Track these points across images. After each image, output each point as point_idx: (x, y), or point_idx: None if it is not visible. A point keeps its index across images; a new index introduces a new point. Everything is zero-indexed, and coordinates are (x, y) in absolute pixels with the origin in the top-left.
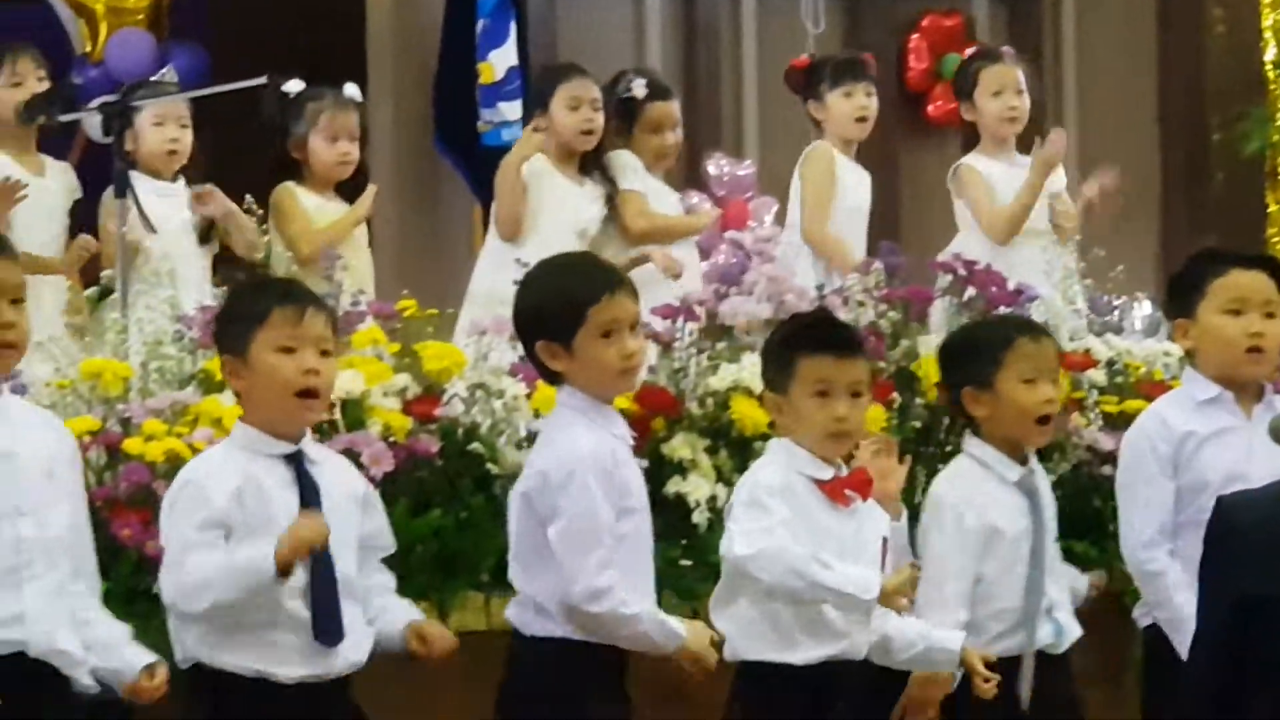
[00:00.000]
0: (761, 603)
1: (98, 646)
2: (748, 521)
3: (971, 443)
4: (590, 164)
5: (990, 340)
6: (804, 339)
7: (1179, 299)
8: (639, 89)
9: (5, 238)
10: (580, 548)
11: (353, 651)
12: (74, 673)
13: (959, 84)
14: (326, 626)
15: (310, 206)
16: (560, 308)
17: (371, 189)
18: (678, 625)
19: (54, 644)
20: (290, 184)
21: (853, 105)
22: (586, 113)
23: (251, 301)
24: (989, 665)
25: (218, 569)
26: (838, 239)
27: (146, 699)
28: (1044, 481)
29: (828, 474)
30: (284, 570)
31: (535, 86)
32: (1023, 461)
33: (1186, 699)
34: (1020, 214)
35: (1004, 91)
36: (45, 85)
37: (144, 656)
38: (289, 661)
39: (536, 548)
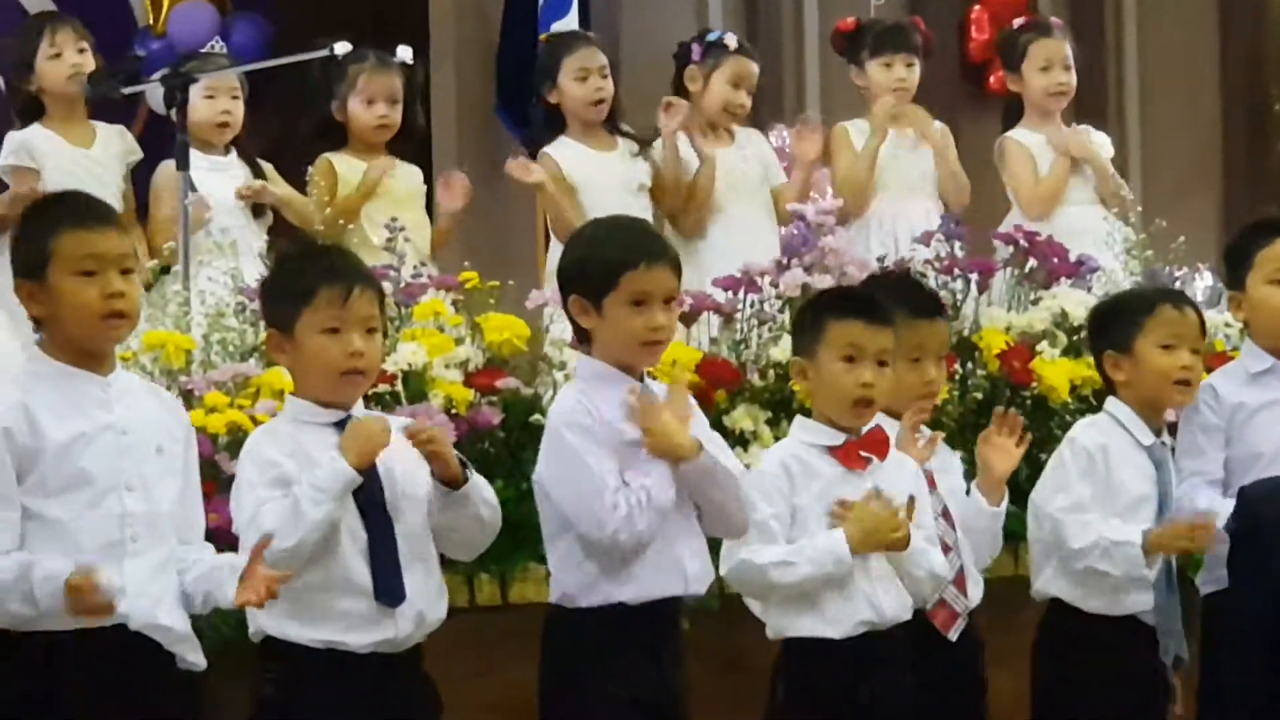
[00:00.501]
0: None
1: (203, 576)
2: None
3: (1111, 402)
4: (613, 127)
5: (1133, 306)
6: (834, 305)
7: (1232, 271)
8: (730, 39)
9: (112, 207)
10: (580, 495)
11: (422, 613)
12: (177, 649)
13: (1006, 55)
14: (388, 587)
15: (346, 172)
16: (598, 266)
17: (386, 161)
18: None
19: (155, 619)
20: (327, 155)
21: (890, 77)
22: (596, 81)
23: (297, 278)
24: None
25: (293, 504)
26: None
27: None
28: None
29: (839, 440)
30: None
31: (541, 61)
32: (1158, 432)
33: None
34: (1056, 188)
35: (1052, 66)
36: (85, 57)
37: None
38: (355, 628)
39: (546, 519)
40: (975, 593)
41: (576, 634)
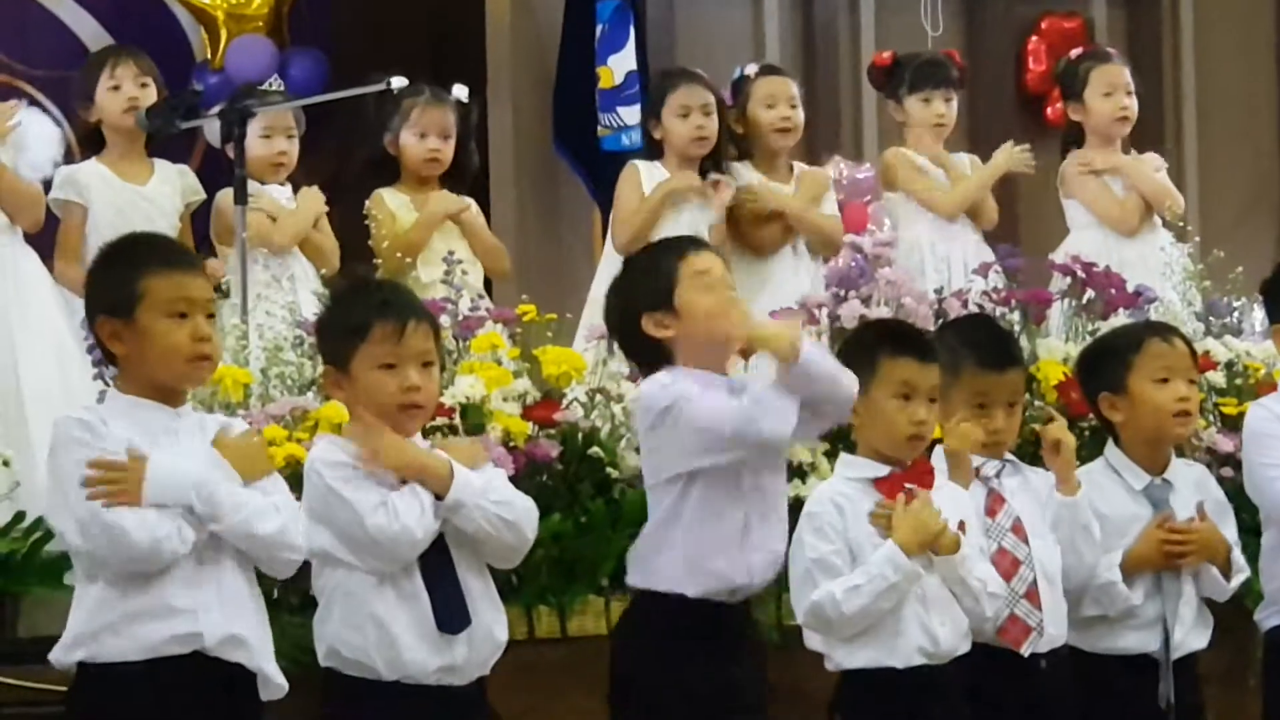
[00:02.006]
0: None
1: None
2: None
3: (1111, 449)
4: (709, 169)
5: (1121, 344)
6: (888, 341)
7: (1272, 303)
8: (750, 69)
9: (194, 252)
10: (706, 401)
11: (485, 637)
12: (258, 666)
13: (1066, 83)
14: (448, 614)
15: (397, 207)
16: (654, 275)
17: (457, 199)
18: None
19: (229, 630)
20: (379, 191)
21: (930, 113)
22: (697, 119)
23: (351, 314)
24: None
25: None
26: None
27: None
28: (1188, 486)
29: (884, 472)
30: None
31: (650, 95)
32: (1160, 470)
33: None
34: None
35: (1115, 92)
36: (146, 91)
37: None
38: (417, 658)
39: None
40: (1058, 627)
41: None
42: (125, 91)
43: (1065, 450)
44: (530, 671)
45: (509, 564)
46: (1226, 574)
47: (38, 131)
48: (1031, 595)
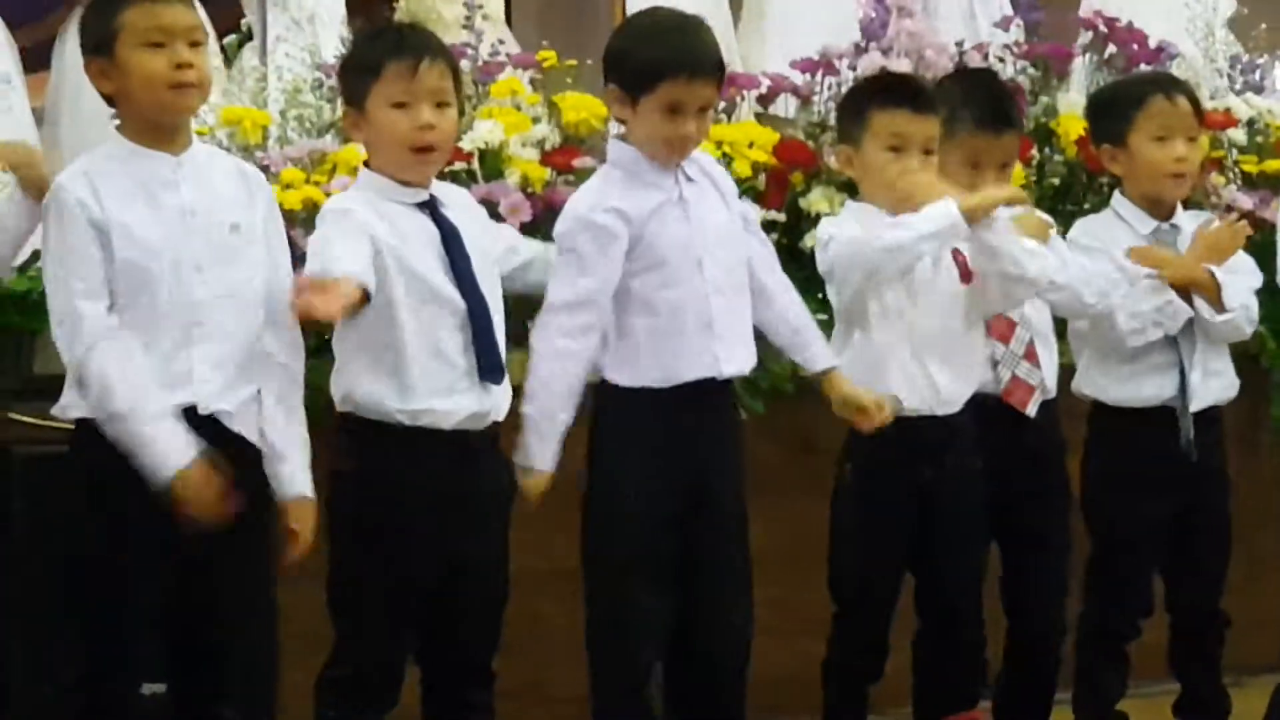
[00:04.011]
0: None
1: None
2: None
3: (1116, 196)
4: None
5: (1125, 98)
6: (879, 93)
7: None
8: None
9: None
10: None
11: (506, 394)
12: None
13: None
14: (490, 363)
15: None
16: (636, 64)
17: None
18: None
19: (220, 405)
20: None
21: None
22: None
23: (367, 52)
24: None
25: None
26: None
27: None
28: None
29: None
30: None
31: None
32: (1166, 216)
33: None
34: None
35: None
36: None
37: (298, 486)
38: (445, 401)
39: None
40: (1050, 378)
41: (618, 412)
42: None
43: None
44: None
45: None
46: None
47: None
48: (1030, 354)
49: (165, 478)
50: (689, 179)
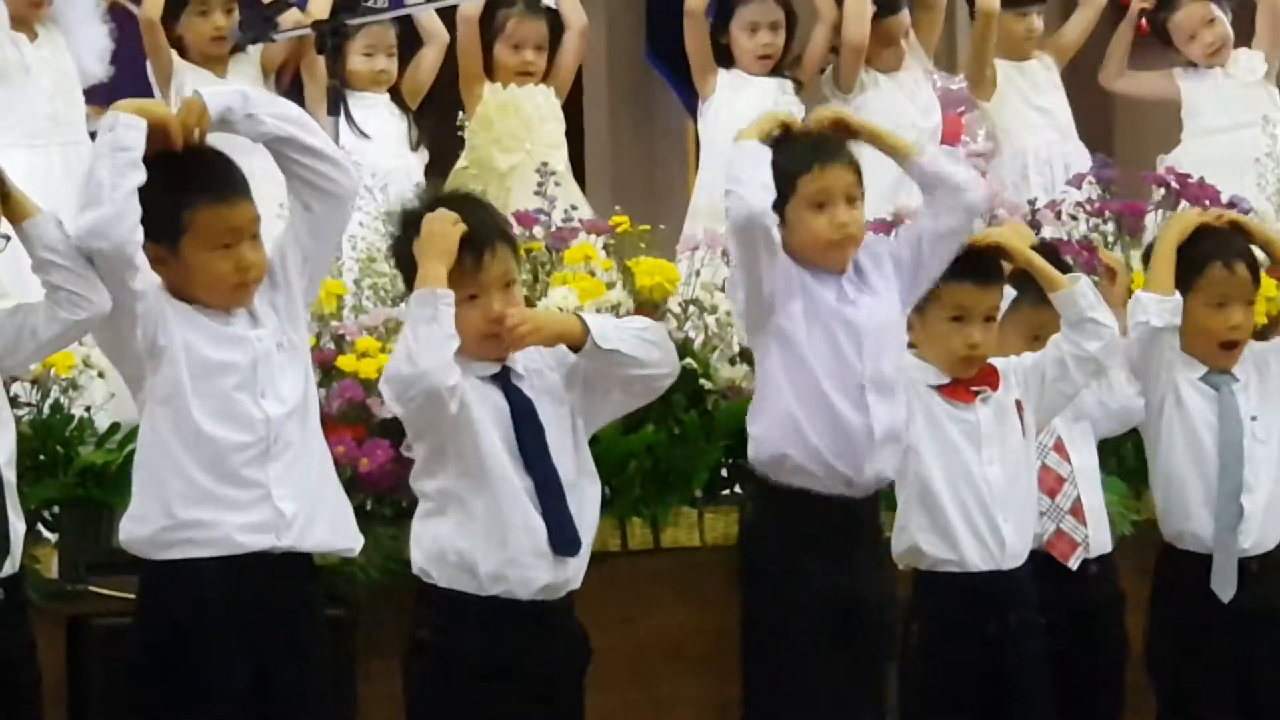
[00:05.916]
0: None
1: None
2: None
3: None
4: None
5: (1183, 264)
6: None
7: None
8: None
9: (242, 173)
10: None
11: (585, 555)
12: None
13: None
14: (563, 537)
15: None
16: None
17: None
18: None
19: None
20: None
21: (1022, 27)
22: (764, 37)
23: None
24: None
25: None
26: None
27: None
28: (1252, 368)
29: (945, 380)
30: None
31: (722, 3)
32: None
33: None
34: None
35: (1198, 32)
36: (231, 18)
37: None
38: (521, 574)
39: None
40: (1101, 535)
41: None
42: (213, 19)
43: (1120, 275)
44: (622, 583)
45: (658, 389)
46: None
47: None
48: (1076, 511)
49: None
50: None
